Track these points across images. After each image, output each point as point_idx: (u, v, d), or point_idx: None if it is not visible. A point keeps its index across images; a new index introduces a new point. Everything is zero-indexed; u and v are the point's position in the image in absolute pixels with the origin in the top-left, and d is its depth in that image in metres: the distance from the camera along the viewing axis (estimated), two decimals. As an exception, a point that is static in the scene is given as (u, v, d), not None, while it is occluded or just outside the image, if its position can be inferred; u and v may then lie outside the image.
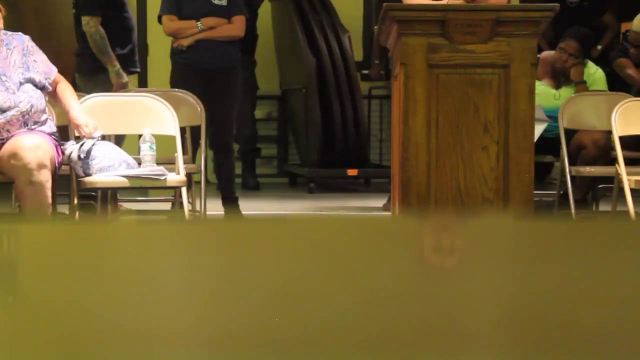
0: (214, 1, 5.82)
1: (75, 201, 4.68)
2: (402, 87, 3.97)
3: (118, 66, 5.85)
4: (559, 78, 6.12)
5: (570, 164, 5.38)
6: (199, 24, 5.79)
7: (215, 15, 5.82)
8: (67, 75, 4.86)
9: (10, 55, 4.51)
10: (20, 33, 4.64)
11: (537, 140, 4.70)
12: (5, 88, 4.44)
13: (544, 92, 5.91)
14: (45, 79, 4.56)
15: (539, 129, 5.46)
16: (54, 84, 4.63)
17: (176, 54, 5.87)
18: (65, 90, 4.66)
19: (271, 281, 1.30)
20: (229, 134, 5.98)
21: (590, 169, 5.45)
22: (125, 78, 5.88)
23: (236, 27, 5.88)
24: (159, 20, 5.98)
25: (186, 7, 5.82)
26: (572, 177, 5.37)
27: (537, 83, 5.73)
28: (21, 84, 4.48)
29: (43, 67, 4.58)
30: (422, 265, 1.42)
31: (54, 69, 4.65)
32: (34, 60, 4.55)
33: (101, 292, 1.25)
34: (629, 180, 4.84)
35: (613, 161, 5.18)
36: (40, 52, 4.63)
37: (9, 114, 4.42)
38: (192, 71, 5.79)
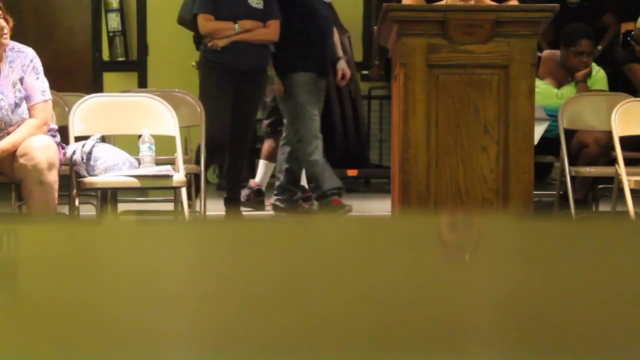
0: (251, 4, 5.82)
1: (77, 202, 4.68)
2: (402, 88, 3.97)
3: None
4: (564, 77, 6.11)
5: (571, 163, 5.38)
6: (236, 26, 5.79)
7: (252, 18, 5.82)
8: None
9: (12, 74, 4.45)
10: (27, 49, 4.54)
11: (537, 140, 4.70)
12: None
13: (547, 92, 5.91)
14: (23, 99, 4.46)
15: (540, 129, 5.45)
16: (30, 110, 4.49)
17: (209, 53, 5.86)
18: (26, 125, 4.46)
19: (271, 281, 1.30)
20: (248, 135, 6.00)
21: (590, 169, 5.44)
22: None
23: (272, 31, 5.88)
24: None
25: (223, 8, 5.80)
26: (572, 178, 5.37)
27: (540, 82, 5.73)
28: (17, 104, 4.45)
29: (28, 91, 4.47)
30: (423, 265, 1.42)
31: (38, 98, 4.49)
32: (24, 81, 4.45)
33: (101, 292, 1.25)
34: (629, 180, 4.84)
35: (613, 161, 5.18)
36: (39, 73, 4.51)
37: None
38: (224, 71, 5.78)
